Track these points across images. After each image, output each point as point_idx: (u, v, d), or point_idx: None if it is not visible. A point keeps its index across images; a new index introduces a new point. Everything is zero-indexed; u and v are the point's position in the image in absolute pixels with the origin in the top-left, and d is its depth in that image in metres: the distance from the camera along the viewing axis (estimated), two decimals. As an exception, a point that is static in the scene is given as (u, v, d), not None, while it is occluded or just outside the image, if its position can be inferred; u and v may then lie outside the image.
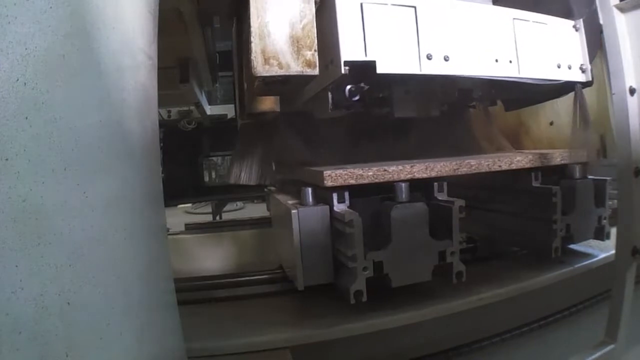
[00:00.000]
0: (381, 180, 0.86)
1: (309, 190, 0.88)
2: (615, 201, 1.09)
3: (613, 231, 1.31)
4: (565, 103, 1.39)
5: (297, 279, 0.84)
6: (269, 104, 1.12)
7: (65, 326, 0.41)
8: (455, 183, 1.25)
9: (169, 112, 2.87)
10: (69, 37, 0.45)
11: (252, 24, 0.66)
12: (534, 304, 1.21)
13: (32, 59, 0.40)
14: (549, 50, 0.98)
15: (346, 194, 0.85)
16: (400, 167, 0.88)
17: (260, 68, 0.67)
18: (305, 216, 0.84)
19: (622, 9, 1.03)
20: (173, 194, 2.75)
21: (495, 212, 1.24)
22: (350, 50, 0.76)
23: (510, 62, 0.91)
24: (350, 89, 0.86)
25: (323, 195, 0.88)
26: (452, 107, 1.23)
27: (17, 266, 0.37)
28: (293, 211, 0.84)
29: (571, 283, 1.17)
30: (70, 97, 0.45)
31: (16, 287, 0.37)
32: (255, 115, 1.17)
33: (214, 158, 3.50)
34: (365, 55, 0.76)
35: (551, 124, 1.45)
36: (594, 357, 1.06)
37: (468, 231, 1.34)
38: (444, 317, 0.96)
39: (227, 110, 3.11)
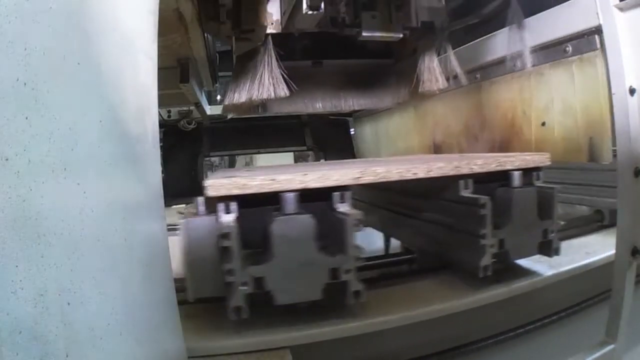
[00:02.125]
0: (268, 190, 0.80)
1: (201, 199, 0.84)
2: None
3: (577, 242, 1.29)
4: (559, 105, 1.39)
5: (187, 290, 0.82)
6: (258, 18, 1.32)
7: (65, 326, 0.41)
8: (388, 188, 1.26)
9: (169, 112, 2.87)
10: (69, 37, 0.45)
11: None
12: (534, 304, 1.21)
13: (32, 59, 0.40)
14: None
15: (233, 204, 0.80)
16: (290, 176, 0.81)
17: None
18: (194, 227, 0.81)
19: (622, 9, 1.03)
20: (173, 194, 2.75)
21: (428, 222, 1.15)
22: None
23: None
24: None
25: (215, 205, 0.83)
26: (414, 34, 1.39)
27: (17, 266, 0.37)
28: (182, 220, 0.81)
29: (559, 286, 1.12)
30: (70, 97, 0.45)
31: (16, 287, 0.37)
32: (247, 32, 1.36)
33: (213, 158, 3.50)
34: None
35: (543, 124, 1.45)
36: (594, 357, 1.06)
37: (406, 241, 1.32)
38: (443, 317, 0.96)
39: (227, 110, 3.10)
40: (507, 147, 1.60)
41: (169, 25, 1.47)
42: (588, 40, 1.25)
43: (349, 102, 1.62)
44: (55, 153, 0.42)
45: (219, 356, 0.83)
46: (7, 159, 0.37)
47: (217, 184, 0.79)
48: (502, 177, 1.01)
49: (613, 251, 1.10)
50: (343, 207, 0.84)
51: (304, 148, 3.09)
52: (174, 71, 1.89)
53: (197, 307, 1.02)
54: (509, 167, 1.00)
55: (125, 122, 0.58)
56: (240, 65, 1.47)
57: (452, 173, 0.95)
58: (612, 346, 1.08)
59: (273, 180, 0.80)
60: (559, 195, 1.01)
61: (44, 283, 0.39)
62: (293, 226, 0.78)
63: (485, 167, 0.98)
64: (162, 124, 2.80)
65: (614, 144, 1.10)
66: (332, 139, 2.93)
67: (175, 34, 1.58)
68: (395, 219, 1.38)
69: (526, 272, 1.10)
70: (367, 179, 0.87)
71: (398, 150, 2.55)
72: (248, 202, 0.82)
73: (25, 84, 0.39)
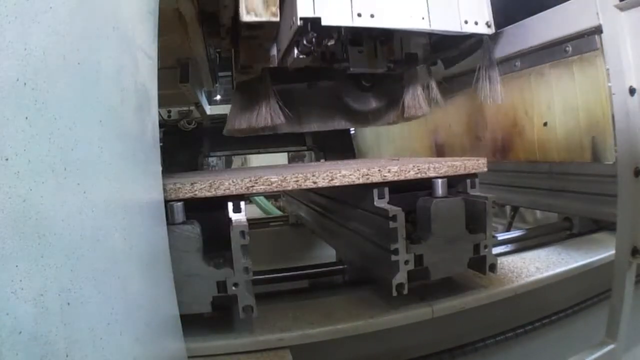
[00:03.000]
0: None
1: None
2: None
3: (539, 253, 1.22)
4: (560, 104, 1.39)
5: None
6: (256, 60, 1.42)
7: (65, 326, 0.41)
8: (326, 194, 1.26)
9: (169, 112, 2.87)
10: (68, 37, 0.45)
11: None
12: (534, 304, 1.21)
13: (32, 59, 0.40)
14: (457, 8, 1.18)
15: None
16: (178, 186, 0.79)
17: (244, 16, 1.02)
18: None
19: (622, 9, 1.03)
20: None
21: (353, 232, 1.08)
22: (303, 9, 1.04)
23: (423, 18, 1.14)
24: (307, 40, 1.10)
25: None
26: (400, 65, 1.48)
27: (17, 266, 0.37)
28: None
29: (559, 287, 1.09)
30: (70, 97, 0.45)
31: (16, 287, 0.37)
32: (246, 67, 1.47)
33: (213, 158, 3.50)
34: (314, 12, 1.05)
35: (545, 124, 1.44)
36: (594, 357, 1.06)
37: (339, 251, 1.29)
38: (443, 317, 0.95)
39: (227, 110, 3.11)
40: (509, 147, 1.60)
41: (169, 25, 1.47)
42: (588, 40, 1.25)
43: (342, 122, 1.70)
44: (55, 153, 0.42)
45: (219, 356, 0.83)
46: (7, 159, 0.37)
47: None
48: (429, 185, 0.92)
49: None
50: (236, 216, 0.81)
51: (304, 148, 3.09)
52: (174, 71, 1.89)
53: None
54: (432, 174, 0.90)
55: (125, 122, 0.58)
56: (240, 93, 1.57)
57: (360, 182, 0.86)
58: (612, 346, 1.08)
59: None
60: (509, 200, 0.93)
61: (44, 283, 0.39)
62: (176, 236, 0.76)
63: (401, 175, 0.88)
64: (162, 124, 2.80)
65: (616, 143, 1.10)
66: (332, 139, 2.93)
67: (175, 34, 1.58)
68: (330, 226, 1.34)
69: (459, 289, 1.00)
70: (260, 188, 0.83)
71: (399, 150, 2.55)
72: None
73: (25, 84, 0.39)
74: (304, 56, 1.18)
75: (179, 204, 0.79)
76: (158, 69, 0.68)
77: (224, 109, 3.18)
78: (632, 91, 1.02)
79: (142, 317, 0.56)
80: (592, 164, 1.30)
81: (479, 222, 0.91)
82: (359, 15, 1.07)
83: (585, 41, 1.26)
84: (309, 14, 1.04)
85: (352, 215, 1.07)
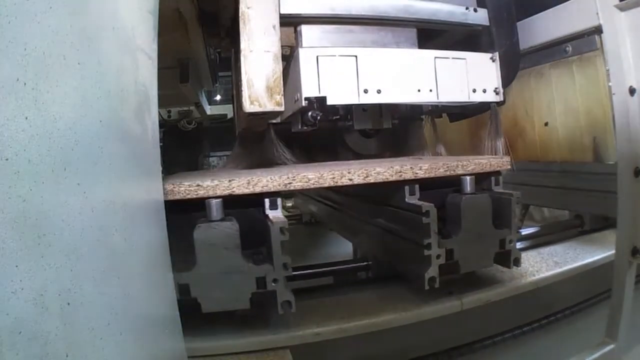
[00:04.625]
0: (194, 197, 0.80)
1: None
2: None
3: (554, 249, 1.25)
4: (561, 104, 1.39)
5: None
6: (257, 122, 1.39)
7: (65, 326, 0.41)
8: (350, 193, 1.26)
9: (169, 112, 2.87)
10: (69, 37, 0.45)
11: (242, 78, 0.97)
12: (534, 304, 1.21)
13: (32, 59, 0.40)
14: (465, 79, 1.17)
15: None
16: (216, 182, 0.80)
17: (248, 107, 0.97)
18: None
19: (622, 9, 1.03)
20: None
21: (379, 229, 1.11)
22: (308, 89, 1.04)
23: (431, 90, 1.12)
24: (311, 114, 1.08)
25: None
26: (404, 119, 1.48)
27: (17, 266, 0.37)
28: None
29: (560, 287, 1.10)
30: (70, 97, 0.45)
31: (16, 287, 0.37)
32: (249, 128, 1.45)
33: (213, 158, 3.50)
34: (319, 92, 1.04)
35: (546, 124, 1.45)
36: (594, 357, 1.06)
37: (362, 248, 1.30)
38: (444, 318, 0.95)
39: (227, 110, 3.11)
40: (511, 147, 1.60)
41: (169, 25, 1.47)
42: (588, 40, 1.25)
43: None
44: (55, 153, 0.42)
45: (219, 356, 0.83)
46: (7, 159, 0.37)
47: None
48: (458, 183, 0.95)
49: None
50: (273, 213, 0.83)
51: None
52: (174, 71, 1.89)
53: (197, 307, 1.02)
54: (460, 171, 0.94)
55: (125, 122, 0.58)
56: (243, 141, 1.55)
57: (393, 179, 0.90)
58: (612, 346, 1.08)
59: (199, 186, 0.80)
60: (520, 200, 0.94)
61: (44, 283, 0.39)
62: (216, 233, 0.76)
63: (431, 172, 0.92)
64: (162, 124, 2.81)
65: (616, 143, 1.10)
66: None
67: (175, 34, 1.58)
68: (351, 224, 1.36)
69: (483, 284, 1.03)
70: (297, 185, 0.85)
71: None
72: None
73: (25, 84, 0.39)
74: (308, 127, 1.16)
75: (217, 200, 0.79)
76: (158, 69, 0.68)
77: (224, 109, 3.19)
78: (632, 91, 1.02)
79: (142, 317, 0.56)
80: (600, 163, 1.30)
81: (505, 217, 0.94)
82: (366, 91, 1.06)
83: (585, 41, 1.26)
84: (314, 93, 1.03)
85: (379, 213, 1.09)
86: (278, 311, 0.80)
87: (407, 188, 0.92)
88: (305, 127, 1.14)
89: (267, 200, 0.84)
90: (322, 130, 1.22)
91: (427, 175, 0.92)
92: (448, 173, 0.93)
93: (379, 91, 1.07)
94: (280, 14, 1.00)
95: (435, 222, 0.85)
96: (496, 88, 1.21)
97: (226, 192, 0.81)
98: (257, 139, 1.48)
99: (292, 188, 0.85)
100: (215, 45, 1.90)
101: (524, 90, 1.50)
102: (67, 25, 0.45)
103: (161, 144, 0.77)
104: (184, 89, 1.99)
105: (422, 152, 1.55)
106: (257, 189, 0.82)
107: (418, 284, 0.89)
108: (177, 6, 1.39)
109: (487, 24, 1.22)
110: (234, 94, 1.80)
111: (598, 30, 1.16)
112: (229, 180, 0.81)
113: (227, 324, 0.86)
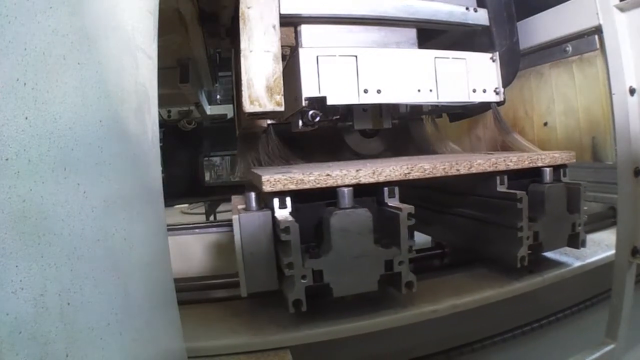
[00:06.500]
0: (324, 186, 0.83)
1: (252, 195, 0.85)
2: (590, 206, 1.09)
3: (596, 237, 1.32)
4: (560, 104, 1.39)
5: (240, 285, 0.83)
6: (258, 122, 1.45)
7: (65, 326, 0.41)
8: (420, 185, 1.28)
9: (169, 112, 2.87)
10: (69, 37, 0.45)
11: (242, 78, 0.97)
12: (534, 304, 1.21)
13: (32, 59, 0.40)
14: (465, 79, 1.18)
15: (287, 200, 0.83)
16: (344, 172, 0.84)
17: (248, 107, 0.97)
18: (247, 222, 0.83)
19: (622, 9, 1.03)
20: (173, 194, 2.75)
21: (462, 217, 1.18)
22: (308, 89, 1.04)
23: (431, 90, 1.13)
24: (311, 114, 1.08)
25: (268, 200, 0.85)
26: (404, 119, 1.48)
27: (17, 266, 0.37)
28: (234, 216, 0.83)
29: (560, 287, 1.13)
30: (70, 97, 0.45)
31: (16, 287, 0.37)
32: (249, 128, 1.47)
33: (213, 158, 3.50)
34: (319, 92, 1.04)
35: (545, 124, 1.45)
36: (594, 357, 1.06)
37: (437, 236, 1.33)
38: (442, 318, 0.96)
39: (227, 110, 3.11)
40: (510, 147, 1.60)
41: (169, 25, 1.47)
42: (588, 40, 1.25)
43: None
44: (55, 153, 0.42)
45: (219, 356, 0.83)
46: (7, 159, 0.37)
47: (272, 179, 0.81)
48: (529, 173, 1.06)
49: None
50: (392, 202, 0.88)
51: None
52: (174, 71, 1.89)
53: (197, 307, 1.02)
54: (540, 164, 1.05)
55: (125, 122, 0.58)
56: (244, 142, 1.56)
57: (490, 169, 1.00)
58: (612, 346, 1.08)
59: (328, 175, 0.83)
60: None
61: (44, 283, 0.39)
62: (351, 220, 0.81)
63: (519, 164, 1.02)
64: (162, 124, 2.81)
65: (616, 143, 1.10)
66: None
67: (175, 34, 1.58)
68: (426, 215, 1.40)
69: (554, 264, 1.15)
70: (415, 174, 0.91)
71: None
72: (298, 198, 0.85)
73: (25, 84, 0.39)
74: (308, 127, 1.17)
75: (349, 189, 0.82)
76: (158, 69, 0.68)
77: (224, 109, 3.19)
78: (632, 91, 1.02)
79: (142, 317, 0.56)
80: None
81: (575, 203, 1.05)
82: (366, 91, 1.07)
83: (585, 41, 1.26)
84: (314, 94, 1.04)
85: (460, 202, 1.18)
86: (401, 291, 0.85)
87: (498, 178, 1.01)
88: (305, 127, 1.14)
89: (385, 190, 0.89)
90: (322, 130, 1.23)
91: (516, 167, 1.02)
92: (531, 165, 1.04)
93: (379, 91, 1.08)
94: (280, 14, 1.00)
95: (526, 208, 0.95)
96: (496, 88, 1.22)
97: (353, 182, 0.85)
98: (255, 139, 1.49)
99: (410, 177, 0.91)
100: (215, 45, 1.91)
101: (524, 90, 1.50)
102: (67, 25, 0.45)
103: (161, 144, 0.77)
104: (184, 89, 1.99)
105: (428, 151, 1.55)
106: (381, 179, 0.88)
107: (508, 264, 1.01)
108: (177, 6, 1.40)
109: (487, 24, 1.23)
110: (234, 94, 1.83)
111: (598, 30, 1.16)
112: (357, 170, 0.85)
113: (354, 307, 0.91)
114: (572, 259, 1.16)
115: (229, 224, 1.71)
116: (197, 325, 0.90)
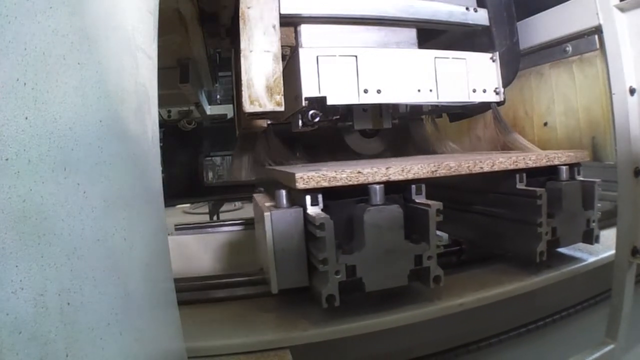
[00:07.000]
0: (355, 183, 0.85)
1: (283, 192, 0.87)
2: (603, 203, 1.10)
3: (605, 233, 1.32)
4: (560, 104, 1.39)
5: (271, 282, 0.84)
6: (257, 122, 1.45)
7: (65, 326, 0.41)
8: (436, 184, 1.29)
9: (169, 112, 2.87)
10: (68, 37, 0.45)
11: (242, 78, 0.97)
12: (534, 304, 1.21)
13: (32, 59, 0.40)
14: (465, 79, 1.18)
15: (319, 197, 0.84)
16: (375, 170, 0.86)
17: (248, 107, 0.98)
18: (279, 219, 0.83)
19: (622, 9, 1.03)
20: (173, 193, 2.75)
21: (479, 214, 1.21)
22: (309, 89, 1.04)
23: (431, 90, 1.13)
24: (311, 114, 1.09)
25: (298, 197, 0.86)
26: (404, 119, 1.48)
27: (17, 266, 0.37)
28: (266, 213, 0.83)
29: (560, 287, 1.13)
30: (70, 97, 0.45)
31: (16, 287, 0.37)
32: (249, 128, 1.48)
33: (214, 158, 3.50)
34: (319, 92, 1.05)
35: (545, 124, 1.45)
36: (594, 357, 1.06)
37: (453, 233, 1.34)
38: (443, 318, 0.96)
39: (227, 110, 3.11)
40: (510, 147, 1.61)
41: (169, 25, 1.47)
42: (588, 40, 1.25)
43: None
44: (55, 153, 0.42)
45: (219, 356, 0.83)
46: (7, 159, 0.37)
47: (306, 177, 0.82)
48: (543, 172, 1.08)
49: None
50: (419, 199, 0.90)
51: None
52: (174, 71, 1.89)
53: (197, 307, 1.02)
54: (556, 162, 1.07)
55: (125, 122, 0.58)
56: (244, 143, 1.57)
57: (511, 167, 1.02)
58: (612, 346, 1.08)
59: (360, 173, 0.85)
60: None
61: (44, 283, 0.39)
62: (383, 216, 0.82)
63: (538, 162, 1.05)
64: (162, 124, 2.81)
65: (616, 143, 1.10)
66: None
67: (175, 34, 1.58)
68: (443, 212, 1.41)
69: (568, 259, 1.17)
70: (442, 172, 0.93)
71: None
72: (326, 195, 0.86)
73: (25, 84, 0.39)
74: (308, 127, 1.18)
75: (380, 186, 0.84)
76: (158, 69, 0.68)
77: (224, 109, 3.19)
78: (632, 91, 1.02)
79: (142, 317, 0.56)
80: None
81: (589, 201, 1.07)
82: (366, 91, 1.07)
83: (585, 41, 1.26)
84: (314, 93, 1.04)
85: (478, 200, 1.20)
86: (429, 286, 0.87)
87: (517, 176, 1.04)
88: (305, 127, 1.15)
89: (413, 187, 0.90)
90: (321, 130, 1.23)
91: (535, 165, 1.04)
92: (549, 163, 1.06)
93: (379, 91, 1.08)
94: (280, 14, 1.00)
95: (545, 204, 0.98)
96: (496, 88, 1.22)
97: (383, 179, 0.86)
98: (254, 139, 1.50)
99: (437, 175, 0.92)
100: (215, 45, 1.92)
101: (524, 90, 1.50)
102: (67, 25, 0.45)
103: (161, 144, 0.77)
104: (184, 89, 1.99)
105: (428, 151, 1.56)
106: (410, 176, 0.89)
107: (526, 259, 1.04)
108: (177, 6, 1.40)
109: (487, 24, 1.23)
110: (234, 94, 1.83)
111: (598, 30, 1.16)
112: (386, 168, 0.87)
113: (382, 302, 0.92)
114: (585, 254, 1.18)
115: (234, 223, 1.73)
116: (197, 325, 0.90)
